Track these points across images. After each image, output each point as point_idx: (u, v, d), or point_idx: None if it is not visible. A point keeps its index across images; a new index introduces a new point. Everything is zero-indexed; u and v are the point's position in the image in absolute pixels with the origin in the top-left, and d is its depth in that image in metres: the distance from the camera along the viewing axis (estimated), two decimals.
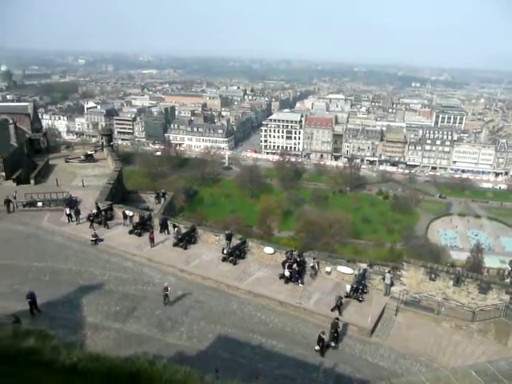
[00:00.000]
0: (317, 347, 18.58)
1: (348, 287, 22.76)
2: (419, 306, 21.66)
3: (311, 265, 24.82)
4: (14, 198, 32.89)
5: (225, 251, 26.72)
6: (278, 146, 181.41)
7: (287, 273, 24.11)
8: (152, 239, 27.89)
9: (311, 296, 23.05)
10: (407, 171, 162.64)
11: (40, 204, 33.34)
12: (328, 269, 24.92)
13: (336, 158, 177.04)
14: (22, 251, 26.61)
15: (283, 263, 24.84)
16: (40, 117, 68.50)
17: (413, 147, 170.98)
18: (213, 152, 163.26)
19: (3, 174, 39.59)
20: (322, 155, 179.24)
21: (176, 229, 28.88)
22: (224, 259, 26.38)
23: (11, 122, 44.08)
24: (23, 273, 24.15)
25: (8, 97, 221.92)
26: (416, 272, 21.91)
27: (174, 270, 25.35)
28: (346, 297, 22.44)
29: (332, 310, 21.16)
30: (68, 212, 31.03)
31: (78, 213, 30.89)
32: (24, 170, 40.44)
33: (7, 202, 32.01)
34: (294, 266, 24.20)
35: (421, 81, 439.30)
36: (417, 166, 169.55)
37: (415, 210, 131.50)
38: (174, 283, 23.82)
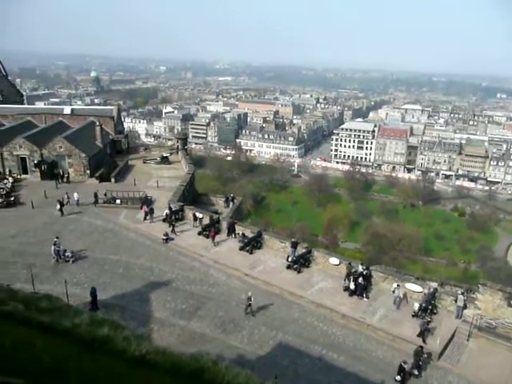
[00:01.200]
0: (397, 377, 17.49)
1: (416, 306, 21.82)
2: (495, 333, 20.22)
3: (400, 294, 23.19)
4: (105, 194, 35.84)
5: (289, 259, 26.73)
6: (349, 156, 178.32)
7: (352, 285, 23.62)
8: (213, 237, 29.12)
9: (376, 311, 22.38)
10: (487, 188, 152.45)
11: (118, 201, 35.47)
12: (395, 285, 24.05)
13: (409, 171, 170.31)
14: (100, 244, 28.44)
15: (348, 275, 24.37)
16: (123, 120, 72.93)
17: (495, 162, 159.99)
18: (282, 159, 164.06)
19: (88, 171, 42.64)
20: (394, 167, 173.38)
21: (241, 233, 29.47)
22: (288, 267, 26.40)
23: (98, 123, 47.51)
24: (100, 264, 25.81)
25: (96, 100, 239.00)
26: (493, 296, 20.51)
27: (238, 274, 25.78)
28: (413, 316, 21.52)
29: (418, 335, 20.06)
30: (144, 210, 32.74)
31: (152, 212, 32.46)
32: (106, 168, 43.23)
33: (95, 195, 35.15)
34: (360, 279, 23.64)
35: (507, 92, 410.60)
36: (498, 182, 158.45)
37: (494, 229, 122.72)
38: (237, 286, 24.26)
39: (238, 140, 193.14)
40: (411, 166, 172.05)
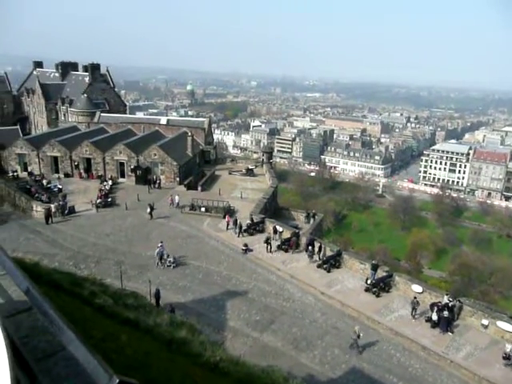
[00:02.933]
0: None
1: (508, 347, 19.90)
2: None
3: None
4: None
5: (369, 281, 25.85)
6: (439, 179, 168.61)
7: (435, 317, 22.19)
8: (291, 246, 29.89)
9: (461, 348, 20.77)
10: None
11: (203, 209, 36.94)
12: (485, 322, 22.18)
13: (507, 198, 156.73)
14: (183, 249, 29.75)
15: (432, 306, 22.96)
16: (213, 131, 76.07)
17: None
18: (367, 178, 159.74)
19: (177, 179, 44.98)
20: (489, 193, 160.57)
21: (310, 247, 29.31)
22: (367, 289, 25.53)
23: (189, 134, 50.09)
24: (182, 268, 27.02)
25: (189, 112, 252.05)
26: None
27: (314, 291, 25.46)
28: (504, 358, 19.64)
29: None
30: (227, 220, 33.73)
31: (234, 222, 33.26)
32: (194, 177, 45.29)
33: (192, 205, 37.20)
34: (445, 311, 22.14)
35: None
36: None
37: None
38: (312, 304, 23.95)
39: (322, 156, 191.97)
40: (510, 194, 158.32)
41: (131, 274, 25.30)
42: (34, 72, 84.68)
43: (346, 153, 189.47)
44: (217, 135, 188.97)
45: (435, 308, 22.51)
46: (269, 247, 29.92)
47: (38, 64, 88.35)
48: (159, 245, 27.22)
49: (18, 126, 66.42)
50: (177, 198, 37.81)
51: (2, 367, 1.44)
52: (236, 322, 21.51)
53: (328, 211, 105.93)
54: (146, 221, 34.58)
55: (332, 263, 28.30)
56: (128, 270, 25.42)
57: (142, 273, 25.89)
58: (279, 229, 32.33)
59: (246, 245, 29.98)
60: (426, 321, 22.50)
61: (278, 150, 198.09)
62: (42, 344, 1.91)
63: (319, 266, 28.04)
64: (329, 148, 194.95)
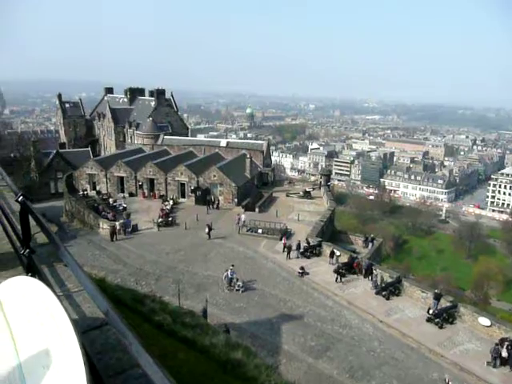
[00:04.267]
0: None
1: None
2: None
3: None
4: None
5: (431, 311, 24.62)
6: (508, 204, 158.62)
7: (505, 353, 20.64)
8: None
9: None
10: None
11: (260, 231, 37.20)
12: None
13: None
14: (240, 270, 29.86)
15: (501, 341, 21.39)
16: (271, 153, 76.95)
17: None
18: (429, 202, 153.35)
19: (235, 200, 45.77)
20: None
21: (374, 274, 28.32)
22: (429, 320, 24.31)
23: (248, 156, 51.03)
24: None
25: (248, 135, 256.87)
26: None
27: (372, 319, 24.63)
28: None
29: None
30: (284, 242, 33.66)
31: (297, 246, 32.75)
32: (252, 198, 45.86)
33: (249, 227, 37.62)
34: None
35: None
36: None
37: None
38: (370, 332, 23.16)
39: (382, 179, 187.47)
40: None
41: (188, 293, 25.85)
42: (105, 97, 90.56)
43: (406, 176, 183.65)
44: (275, 157, 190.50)
45: (505, 344, 20.96)
46: (339, 277, 28.78)
47: (109, 90, 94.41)
48: (230, 268, 27.10)
49: (89, 148, 71.14)
50: (243, 216, 38.41)
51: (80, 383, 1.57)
52: (291, 347, 21.22)
53: (387, 236, 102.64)
54: (203, 241, 35.35)
55: (391, 290, 27.32)
56: (186, 289, 26.00)
57: (198, 292, 26.38)
58: (337, 252, 31.80)
59: (302, 268, 29.71)
60: (495, 357, 20.96)
61: (336, 173, 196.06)
62: (114, 361, 2.06)
63: (378, 293, 27.16)
64: (388, 171, 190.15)
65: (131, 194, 48.38)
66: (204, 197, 45.57)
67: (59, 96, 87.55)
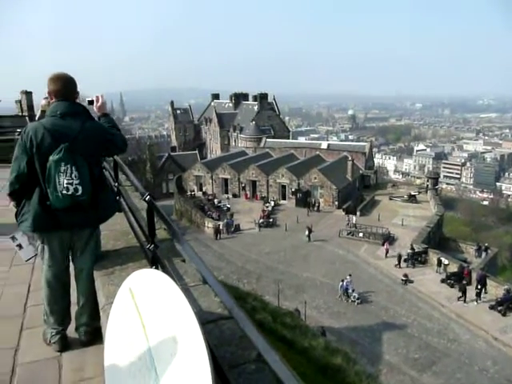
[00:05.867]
0: None
1: None
2: None
3: None
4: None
5: None
6: None
7: None
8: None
9: None
10: None
11: (361, 235, 36.27)
12: None
13: None
14: (340, 274, 29.33)
15: None
16: (373, 156, 74.54)
17: None
18: None
19: (336, 203, 45.14)
20: None
21: (504, 290, 25.74)
22: None
23: (350, 158, 50.04)
24: (337, 292, 26.63)
25: (350, 137, 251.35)
26: None
27: (485, 335, 22.62)
28: None
29: None
30: (386, 247, 32.31)
31: (399, 256, 30.93)
32: (353, 201, 44.85)
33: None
34: None
35: None
36: None
37: None
38: (482, 349, 21.33)
39: (498, 183, 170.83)
40: None
41: (287, 294, 26.11)
42: (212, 103, 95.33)
43: None
44: (377, 159, 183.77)
45: None
46: (464, 297, 25.90)
47: (216, 96, 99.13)
48: (347, 278, 26.26)
49: (197, 151, 75.30)
50: (354, 218, 38.54)
51: (205, 374, 1.63)
52: (392, 357, 20.37)
53: (504, 245, 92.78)
54: (303, 243, 35.42)
55: (509, 306, 24.83)
56: (284, 289, 26.31)
57: (297, 293, 26.52)
58: (444, 261, 29.77)
59: (405, 275, 28.34)
60: None
61: (445, 176, 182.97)
62: (229, 355, 2.20)
63: (492, 308, 24.86)
64: (506, 174, 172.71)
65: (234, 195, 50.27)
66: (304, 199, 45.65)
67: (171, 103, 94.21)
